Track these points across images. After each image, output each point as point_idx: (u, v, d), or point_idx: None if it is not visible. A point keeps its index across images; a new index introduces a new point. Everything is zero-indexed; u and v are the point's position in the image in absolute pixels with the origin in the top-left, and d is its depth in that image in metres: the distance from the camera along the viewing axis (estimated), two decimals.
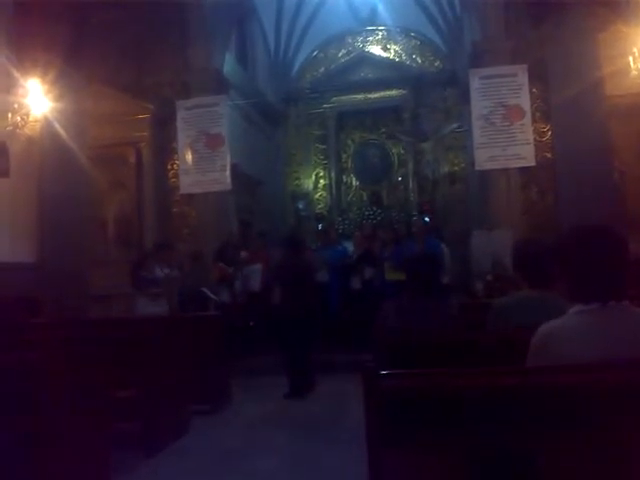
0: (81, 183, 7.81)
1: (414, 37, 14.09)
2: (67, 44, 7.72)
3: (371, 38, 14.49)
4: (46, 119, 7.45)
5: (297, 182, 14.47)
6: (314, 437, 4.59)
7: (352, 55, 14.32)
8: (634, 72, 6.63)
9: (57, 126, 7.41)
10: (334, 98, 13.75)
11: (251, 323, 8.08)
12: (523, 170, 8.07)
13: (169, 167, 9.27)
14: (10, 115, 6.99)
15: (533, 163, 7.79)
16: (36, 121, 7.34)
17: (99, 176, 8.47)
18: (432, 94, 13.46)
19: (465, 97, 8.99)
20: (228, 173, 8.41)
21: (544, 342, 1.82)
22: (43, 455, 2.99)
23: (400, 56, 14.26)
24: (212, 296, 7.59)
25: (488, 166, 7.92)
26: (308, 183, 14.41)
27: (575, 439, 1.62)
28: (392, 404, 1.70)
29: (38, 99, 7.24)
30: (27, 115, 7.17)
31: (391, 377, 1.79)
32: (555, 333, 1.80)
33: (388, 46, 14.35)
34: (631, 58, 6.60)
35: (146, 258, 6.90)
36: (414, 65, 14.07)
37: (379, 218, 12.61)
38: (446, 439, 1.65)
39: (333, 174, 13.94)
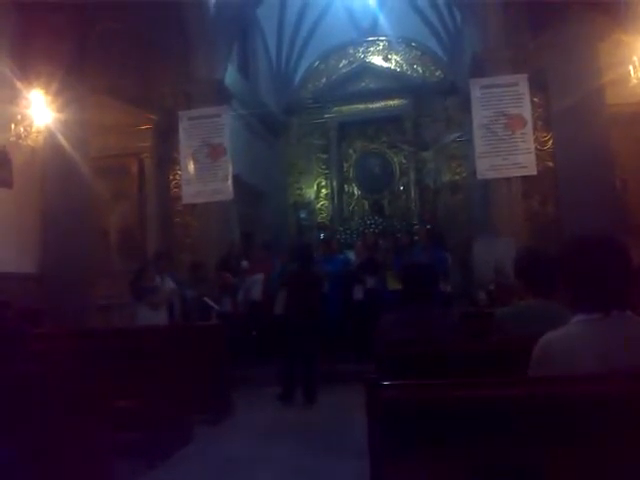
0: (84, 194, 7.82)
1: (415, 47, 14.17)
2: (70, 55, 7.75)
3: (372, 48, 14.58)
4: (49, 130, 7.48)
5: (299, 192, 14.51)
6: (316, 447, 4.57)
7: (353, 65, 14.40)
8: (634, 81, 6.64)
9: (60, 137, 7.44)
10: (336, 108, 13.81)
11: (253, 333, 8.07)
12: (525, 179, 8.08)
13: (171, 177, 9.30)
14: (13, 126, 7.02)
15: (534, 172, 7.80)
16: (39, 132, 7.37)
17: (101, 187, 8.50)
18: (433, 104, 13.52)
19: (466, 106, 9.02)
20: (230, 183, 8.44)
21: (546, 352, 1.81)
22: (46, 466, 2.99)
23: (401, 66, 14.33)
24: (214, 305, 7.59)
25: (490, 175, 7.94)
26: (310, 193, 14.45)
27: (578, 450, 1.61)
28: (394, 415, 1.69)
29: (41, 110, 7.27)
30: (30, 126, 7.19)
31: (393, 388, 1.78)
32: (557, 343, 1.80)
33: (389, 56, 14.43)
34: (631, 67, 6.61)
35: (146, 268, 6.92)
36: (415, 75, 14.14)
37: (381, 227, 12.62)
38: (448, 450, 1.65)
39: (335, 184, 13.98)
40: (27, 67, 7.38)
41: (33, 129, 7.23)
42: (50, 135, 7.51)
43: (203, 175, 8.48)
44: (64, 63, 7.55)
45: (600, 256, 1.79)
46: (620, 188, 7.53)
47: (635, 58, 6.60)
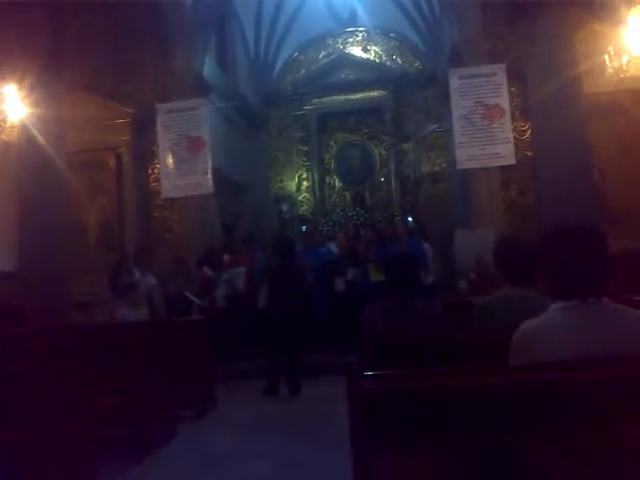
0: (61, 189, 7.69)
1: (394, 38, 14.17)
2: (45, 50, 7.61)
3: (351, 39, 14.55)
4: (23, 125, 7.35)
5: (280, 184, 14.47)
6: (301, 440, 4.58)
7: (332, 57, 14.35)
8: (610, 70, 6.71)
9: (35, 132, 7.31)
10: (315, 100, 13.77)
11: (235, 327, 8.04)
12: (504, 169, 8.14)
13: (150, 171, 9.21)
14: None
15: (513, 161, 7.86)
16: (13, 127, 7.25)
17: (79, 182, 8.38)
18: (413, 94, 13.55)
19: (445, 97, 9.05)
20: (210, 176, 8.37)
21: (525, 339, 1.83)
22: (30, 464, 2.96)
23: (380, 57, 14.33)
24: (195, 300, 7.55)
25: (469, 165, 7.97)
26: (291, 185, 14.42)
27: (560, 436, 1.63)
28: (375, 405, 1.70)
29: (15, 105, 7.14)
30: (4, 121, 7.07)
31: (375, 378, 1.79)
32: (536, 330, 1.82)
33: (368, 47, 14.42)
34: (607, 56, 6.68)
35: (123, 263, 6.86)
36: (394, 66, 14.14)
37: (362, 219, 12.65)
38: (431, 439, 1.66)
39: (316, 176, 13.97)
40: (1, 62, 7.23)
41: (7, 124, 7.10)
42: (25, 130, 7.38)
43: (182, 169, 8.39)
44: (39, 58, 7.41)
45: (578, 244, 1.81)
46: (597, 177, 7.62)
47: (610, 48, 6.67)
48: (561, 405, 1.64)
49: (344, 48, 14.53)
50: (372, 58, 14.36)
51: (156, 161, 8.91)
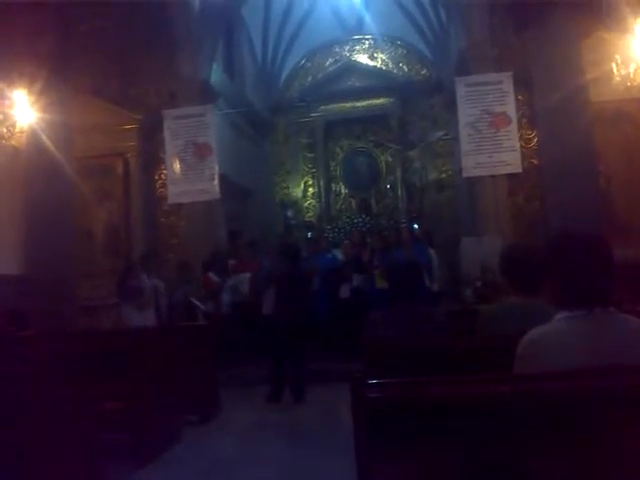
0: (68, 194, 7.74)
1: (400, 46, 14.21)
2: (54, 55, 7.66)
3: (358, 47, 14.61)
4: (32, 130, 7.40)
5: (286, 191, 14.51)
6: (304, 446, 4.57)
7: (339, 64, 14.41)
8: (617, 78, 6.69)
9: (43, 137, 7.35)
10: (322, 107, 13.82)
11: (240, 332, 8.04)
12: (510, 176, 8.14)
13: (157, 177, 9.26)
14: None
15: (519, 169, 7.86)
16: (22, 132, 7.29)
17: (86, 187, 8.43)
18: (419, 102, 13.58)
19: (452, 105, 9.06)
20: (216, 182, 8.41)
21: (530, 349, 1.82)
22: (34, 468, 2.96)
23: (387, 65, 14.38)
24: (200, 306, 7.56)
25: (475, 173, 7.97)
26: (297, 191, 14.45)
27: (564, 446, 1.62)
28: (379, 413, 1.69)
29: (24, 110, 7.19)
30: (13, 126, 7.11)
31: (379, 386, 1.79)
32: (541, 340, 1.81)
33: (375, 55, 14.47)
34: (614, 64, 6.66)
35: (131, 268, 6.88)
36: (401, 74, 14.19)
37: (368, 226, 12.65)
38: (435, 448, 1.65)
39: (322, 182, 13.99)
40: (10, 67, 7.29)
41: (16, 129, 7.15)
42: (34, 135, 7.42)
43: (189, 174, 8.43)
44: (48, 63, 7.46)
45: (583, 253, 1.80)
46: (604, 185, 7.60)
47: (617, 56, 6.65)
48: (566, 414, 1.63)
49: (351, 55, 14.59)
50: (379, 66, 14.41)
51: (163, 167, 8.96)
